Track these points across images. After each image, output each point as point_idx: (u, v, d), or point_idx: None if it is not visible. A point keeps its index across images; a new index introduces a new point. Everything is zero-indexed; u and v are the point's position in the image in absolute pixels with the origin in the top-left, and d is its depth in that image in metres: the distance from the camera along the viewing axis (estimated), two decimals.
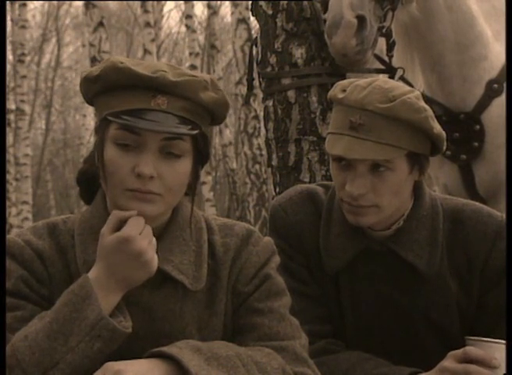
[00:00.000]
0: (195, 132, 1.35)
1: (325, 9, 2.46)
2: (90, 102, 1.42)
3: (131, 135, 1.33)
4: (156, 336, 1.36)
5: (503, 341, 1.51)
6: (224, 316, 1.44)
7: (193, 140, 1.38)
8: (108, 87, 1.35)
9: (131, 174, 1.33)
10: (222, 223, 1.51)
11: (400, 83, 1.72)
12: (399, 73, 2.67)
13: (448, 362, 1.51)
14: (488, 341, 1.52)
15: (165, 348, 1.27)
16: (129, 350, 1.31)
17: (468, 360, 1.49)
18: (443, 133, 1.63)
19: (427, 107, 1.59)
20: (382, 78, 1.71)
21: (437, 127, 1.61)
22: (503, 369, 1.49)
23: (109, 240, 1.31)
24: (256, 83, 2.80)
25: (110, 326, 1.27)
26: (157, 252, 1.35)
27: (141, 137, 1.33)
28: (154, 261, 1.32)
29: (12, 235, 1.41)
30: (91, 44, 7.82)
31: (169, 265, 1.38)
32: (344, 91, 1.62)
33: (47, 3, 20.06)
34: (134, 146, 1.34)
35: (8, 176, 11.24)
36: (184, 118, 1.34)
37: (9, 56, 14.45)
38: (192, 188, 1.43)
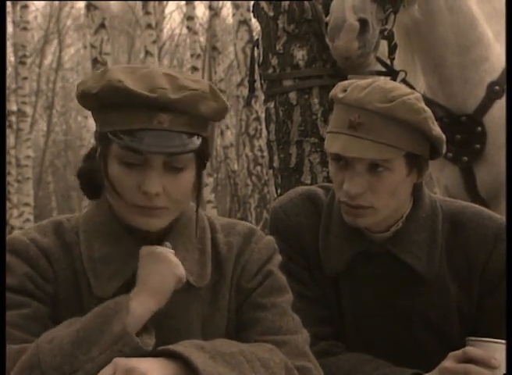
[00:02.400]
0: (198, 143, 1.35)
1: (327, 11, 2.47)
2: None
3: (134, 155, 1.33)
4: (162, 332, 1.36)
5: (503, 341, 1.51)
6: (227, 312, 1.46)
7: (195, 150, 1.37)
8: (107, 105, 1.33)
9: (137, 191, 1.33)
10: (225, 223, 1.53)
11: (401, 85, 1.73)
12: (401, 75, 2.67)
13: (448, 363, 1.52)
14: (488, 341, 1.53)
15: (171, 346, 1.28)
16: None
17: (468, 360, 1.50)
18: (443, 135, 1.63)
19: (426, 108, 1.59)
20: (383, 79, 1.72)
21: (436, 129, 1.60)
22: (502, 369, 1.49)
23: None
24: (257, 84, 2.80)
25: (133, 344, 1.26)
26: None
27: (145, 155, 1.32)
28: (181, 266, 1.36)
29: (17, 233, 1.41)
30: (93, 46, 7.82)
31: None
32: (345, 90, 1.62)
33: (48, 5, 20.07)
34: (138, 164, 1.33)
35: (9, 178, 11.22)
36: (187, 132, 1.34)
37: (11, 58, 14.46)
38: (197, 192, 1.44)
